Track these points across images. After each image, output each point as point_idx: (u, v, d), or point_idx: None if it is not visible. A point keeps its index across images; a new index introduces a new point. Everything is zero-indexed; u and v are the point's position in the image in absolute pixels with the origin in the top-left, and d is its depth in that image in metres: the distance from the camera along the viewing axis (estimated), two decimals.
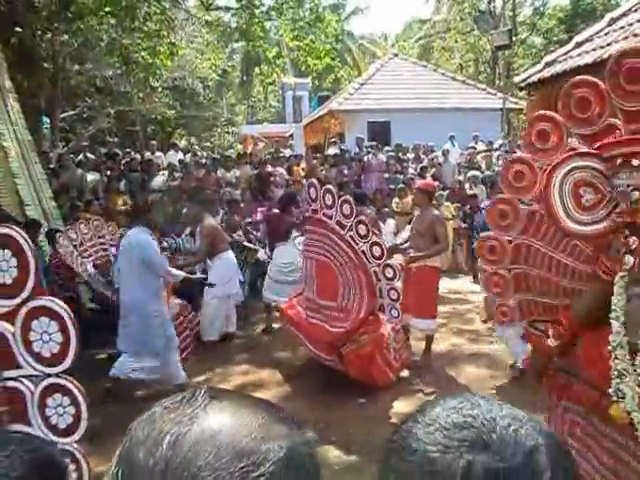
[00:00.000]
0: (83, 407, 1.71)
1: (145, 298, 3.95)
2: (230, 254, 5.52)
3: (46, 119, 11.46)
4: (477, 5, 22.65)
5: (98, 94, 13.67)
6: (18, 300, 1.66)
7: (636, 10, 6.77)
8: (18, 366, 1.69)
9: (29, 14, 9.70)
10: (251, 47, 12.27)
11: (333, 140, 11.82)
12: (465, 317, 6.20)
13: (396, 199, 8.44)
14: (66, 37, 11.10)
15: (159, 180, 9.08)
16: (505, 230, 2.29)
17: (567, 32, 20.61)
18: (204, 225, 5.26)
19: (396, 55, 16.39)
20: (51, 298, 1.71)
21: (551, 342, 2.05)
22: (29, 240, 1.67)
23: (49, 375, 1.69)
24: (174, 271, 4.21)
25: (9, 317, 1.68)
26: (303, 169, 9.93)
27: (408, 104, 13.05)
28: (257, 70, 14.29)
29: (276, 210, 6.01)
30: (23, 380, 1.70)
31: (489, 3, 22.80)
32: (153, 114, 14.89)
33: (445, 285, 7.49)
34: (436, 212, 4.87)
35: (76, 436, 1.71)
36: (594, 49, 6.56)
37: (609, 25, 6.93)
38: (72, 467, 1.69)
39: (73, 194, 7.40)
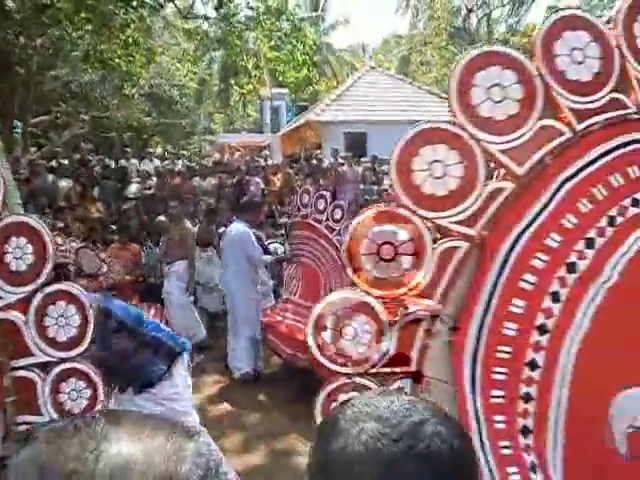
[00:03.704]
0: (100, 389, 1.71)
1: (245, 287, 4.68)
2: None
3: (21, 124, 11.24)
4: (452, 21, 23.22)
5: (73, 99, 13.47)
6: (33, 286, 1.66)
7: None
8: (29, 354, 1.68)
9: (1, 18, 9.53)
10: (228, 56, 12.30)
11: (310, 152, 11.90)
12: None
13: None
14: (40, 42, 10.94)
15: (133, 188, 9.00)
16: None
17: None
18: (185, 227, 5.46)
19: (373, 68, 16.63)
20: (68, 282, 1.74)
21: None
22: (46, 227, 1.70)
23: (64, 360, 1.69)
24: (264, 257, 4.84)
25: (21, 305, 1.68)
26: (279, 179, 9.96)
27: (384, 116, 13.24)
28: (232, 81, 14.29)
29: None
30: (34, 368, 1.69)
31: (464, 20, 23.43)
32: (129, 121, 14.74)
33: None
34: None
35: None
36: None
37: None
38: None
39: (43, 202, 7.26)
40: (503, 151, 1.27)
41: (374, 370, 1.30)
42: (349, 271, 1.32)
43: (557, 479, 1.44)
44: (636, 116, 1.44)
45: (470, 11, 23.01)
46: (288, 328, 4.32)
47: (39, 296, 1.67)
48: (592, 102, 1.38)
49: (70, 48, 11.72)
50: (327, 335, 1.31)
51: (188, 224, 5.74)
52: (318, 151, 12.12)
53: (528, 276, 1.28)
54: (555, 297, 1.29)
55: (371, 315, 1.30)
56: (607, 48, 1.41)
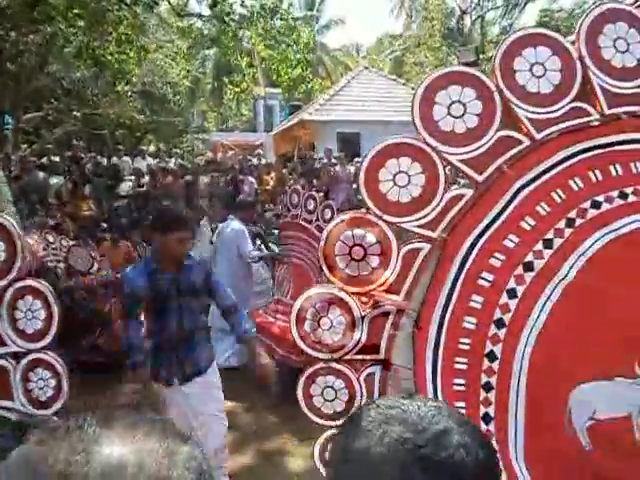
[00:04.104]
0: (64, 379, 1.81)
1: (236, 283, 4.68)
2: None
3: (12, 121, 11.22)
4: (446, 23, 23.37)
5: (65, 96, 13.44)
6: (5, 282, 1.78)
7: None
8: (3, 344, 1.80)
9: None
10: (222, 55, 12.34)
11: (303, 152, 11.97)
12: None
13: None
14: (32, 38, 10.92)
15: (125, 186, 9.04)
16: None
17: None
18: None
19: (366, 68, 16.72)
20: (35, 278, 1.85)
21: None
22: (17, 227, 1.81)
23: (31, 351, 1.80)
24: (254, 252, 4.87)
25: None
26: (272, 178, 10.03)
27: (377, 116, 13.32)
28: (226, 80, 14.30)
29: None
30: (7, 357, 1.81)
31: (458, 22, 23.58)
32: (122, 118, 14.74)
33: None
34: None
35: (55, 407, 1.81)
36: None
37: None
38: None
39: (34, 198, 7.29)
40: (462, 161, 1.37)
41: (348, 357, 1.43)
42: (325, 270, 1.43)
43: (519, 465, 1.53)
44: (598, 123, 1.54)
45: (464, 13, 23.17)
46: (280, 329, 4.28)
47: (10, 290, 1.79)
48: (552, 112, 1.47)
49: (62, 45, 11.71)
50: (307, 325, 1.42)
51: None
52: (313, 152, 12.19)
53: (486, 274, 1.38)
54: (512, 294, 1.39)
55: (345, 308, 1.42)
56: (568, 60, 1.50)
